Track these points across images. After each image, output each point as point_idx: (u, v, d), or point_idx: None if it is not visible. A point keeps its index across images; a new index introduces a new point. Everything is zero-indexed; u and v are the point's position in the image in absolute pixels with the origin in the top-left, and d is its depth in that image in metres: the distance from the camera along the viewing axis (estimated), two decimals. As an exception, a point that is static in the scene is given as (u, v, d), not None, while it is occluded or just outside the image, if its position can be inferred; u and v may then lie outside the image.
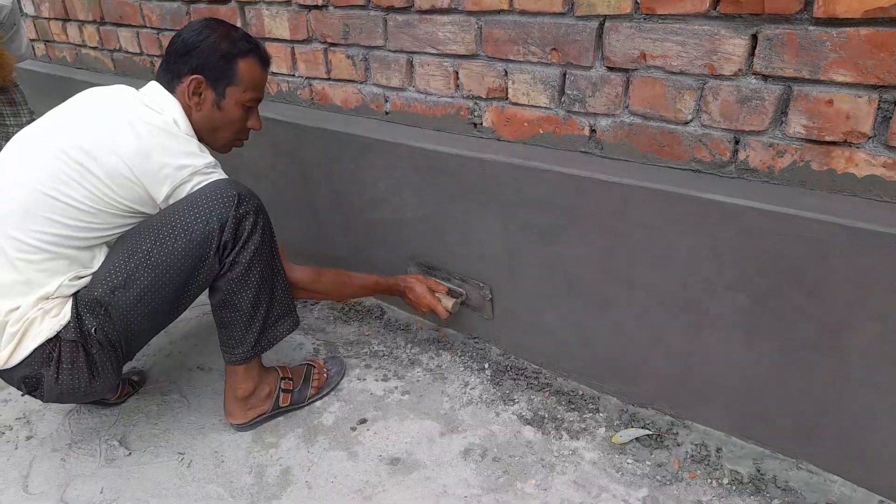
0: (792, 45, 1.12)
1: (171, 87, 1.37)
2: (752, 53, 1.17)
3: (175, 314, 1.38)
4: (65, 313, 1.25)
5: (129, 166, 1.23)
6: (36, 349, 1.24)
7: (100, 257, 1.30)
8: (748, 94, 1.20)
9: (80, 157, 1.22)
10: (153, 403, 1.66)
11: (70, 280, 1.26)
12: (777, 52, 1.14)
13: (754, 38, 1.16)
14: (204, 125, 1.41)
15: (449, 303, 1.68)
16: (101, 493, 1.39)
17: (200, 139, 1.41)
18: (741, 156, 1.26)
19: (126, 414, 1.63)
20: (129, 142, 1.24)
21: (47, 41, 3.03)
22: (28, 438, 1.55)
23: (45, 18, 2.92)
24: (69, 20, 2.76)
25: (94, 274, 1.29)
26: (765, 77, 1.17)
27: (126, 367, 1.77)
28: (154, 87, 1.38)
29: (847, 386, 1.21)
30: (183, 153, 1.29)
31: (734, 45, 1.18)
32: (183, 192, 1.29)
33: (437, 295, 1.70)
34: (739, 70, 1.19)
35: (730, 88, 1.22)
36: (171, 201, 1.29)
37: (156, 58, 2.40)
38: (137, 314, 1.29)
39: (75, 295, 1.28)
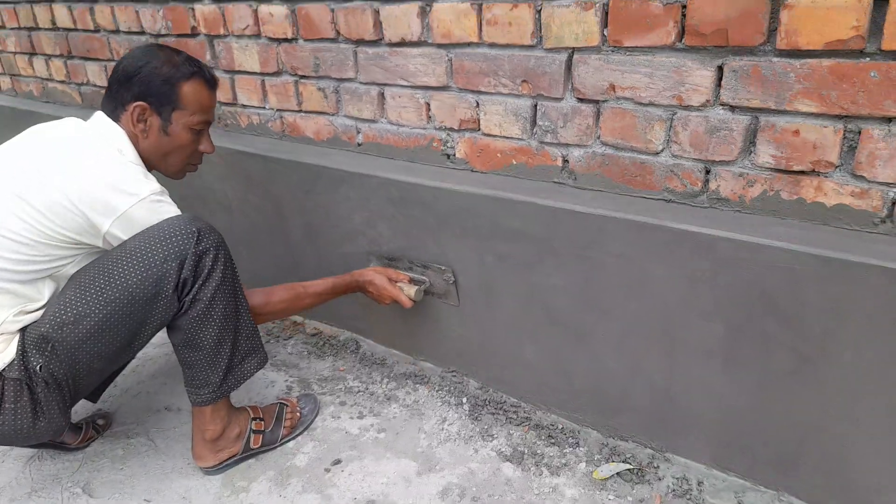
0: (757, 76, 1.13)
1: (115, 116, 1.34)
2: (718, 84, 1.18)
3: (128, 354, 1.33)
4: (9, 350, 1.20)
5: (69, 198, 1.19)
6: None
7: (45, 291, 1.25)
8: (717, 124, 1.21)
9: (18, 190, 1.19)
10: (119, 447, 1.60)
11: (15, 315, 1.22)
12: (743, 83, 1.15)
13: (720, 69, 1.17)
14: (152, 152, 1.38)
15: (412, 290, 1.62)
16: (61, 546, 1.32)
17: (151, 166, 1.39)
18: (712, 185, 1.26)
19: (90, 459, 1.56)
20: (71, 173, 1.21)
21: (13, 75, 2.98)
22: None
23: (11, 52, 2.87)
24: (35, 54, 2.72)
25: (44, 308, 1.24)
26: (732, 108, 1.18)
27: (91, 410, 1.71)
28: (98, 118, 1.35)
29: (826, 416, 1.20)
30: (126, 181, 1.25)
31: (701, 76, 1.19)
32: (129, 223, 1.24)
33: (398, 284, 1.64)
34: (707, 101, 1.20)
35: (698, 119, 1.22)
36: (117, 231, 1.23)
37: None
38: (86, 352, 1.23)
39: (23, 331, 1.23)
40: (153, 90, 1.33)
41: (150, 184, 1.28)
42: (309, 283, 1.59)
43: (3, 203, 1.19)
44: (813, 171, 1.14)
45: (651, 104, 1.26)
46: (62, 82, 2.67)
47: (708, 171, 1.26)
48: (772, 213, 1.22)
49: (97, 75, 2.45)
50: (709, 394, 1.33)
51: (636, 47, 1.23)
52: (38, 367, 1.20)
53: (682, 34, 1.17)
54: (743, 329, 1.24)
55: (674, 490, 1.37)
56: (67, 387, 1.25)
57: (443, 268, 1.63)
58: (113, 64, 2.33)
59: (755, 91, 1.14)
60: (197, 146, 1.43)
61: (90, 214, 1.21)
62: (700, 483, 1.37)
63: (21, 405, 1.21)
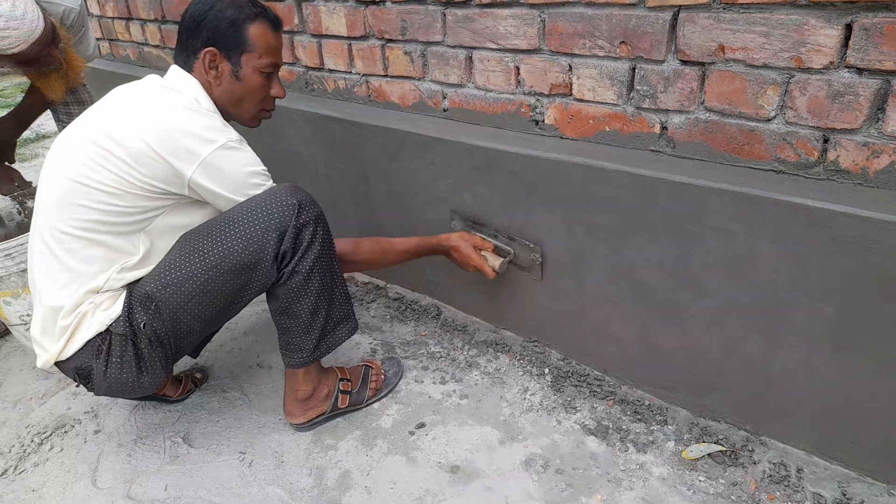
0: (893, 34, 1.01)
1: (188, 66, 1.36)
2: (845, 45, 1.07)
3: (226, 317, 1.39)
4: (116, 307, 1.28)
5: (151, 146, 1.21)
6: (87, 342, 1.28)
7: (140, 246, 1.30)
8: (840, 88, 1.10)
9: (105, 143, 1.23)
10: (215, 400, 1.69)
11: (117, 273, 1.28)
12: (875, 42, 1.04)
13: (848, 27, 1.06)
14: (226, 99, 1.39)
15: (496, 262, 1.60)
16: (166, 490, 1.41)
17: (226, 115, 1.40)
18: (830, 156, 1.17)
19: (189, 410, 1.66)
20: (151, 123, 1.24)
21: (111, 40, 3.11)
22: (96, 432, 1.60)
23: (110, 18, 2.99)
24: (132, 19, 2.82)
25: (143, 264, 1.31)
26: (860, 70, 1.07)
27: (190, 364, 1.81)
28: (173, 70, 1.38)
29: (949, 408, 1.11)
30: (205, 128, 1.26)
31: (825, 35, 1.08)
32: (211, 169, 1.25)
33: (483, 254, 1.62)
34: (831, 63, 1.09)
35: (819, 83, 1.12)
36: (200, 178, 1.25)
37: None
38: (187, 313, 1.29)
39: (130, 290, 1.30)
40: (220, 34, 1.33)
41: (227, 132, 1.30)
42: (396, 239, 1.61)
43: (92, 157, 1.24)
44: (953, 141, 1.03)
45: (765, 66, 1.16)
46: (157, 46, 2.76)
47: (826, 140, 1.16)
48: (899, 188, 1.11)
49: (154, 35, 2.51)
50: (814, 378, 1.26)
51: (752, 4, 1.13)
52: (142, 325, 1.27)
53: (806, -11, 1.07)
54: (858, 312, 1.15)
55: (770, 476, 1.31)
56: (169, 344, 1.32)
57: (531, 245, 1.60)
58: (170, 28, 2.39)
59: (889, 52, 1.03)
60: (268, 90, 1.43)
61: (173, 162, 1.23)
62: (800, 470, 1.31)
63: (126, 360, 1.29)
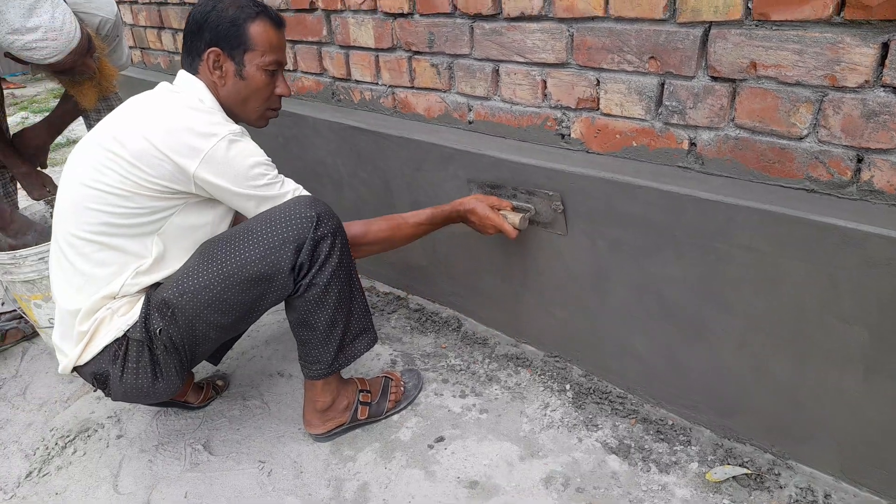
0: (932, 54, 0.99)
1: (194, 69, 1.37)
2: (881, 64, 1.05)
3: (242, 326, 1.40)
4: (133, 312, 1.29)
5: (155, 146, 1.22)
6: (105, 347, 1.29)
7: (153, 248, 1.31)
8: (875, 108, 1.08)
9: (111, 146, 1.25)
10: (235, 408, 1.69)
11: (132, 278, 1.30)
12: (913, 61, 1.02)
13: (885, 46, 1.04)
14: (232, 99, 1.39)
15: (516, 219, 1.52)
16: (185, 497, 1.42)
17: (233, 116, 1.41)
18: (864, 176, 1.14)
19: (210, 417, 1.67)
20: (154, 123, 1.25)
21: (143, 48, 3.17)
22: (118, 437, 1.61)
23: (142, 27, 3.05)
24: (164, 28, 2.88)
25: (157, 267, 1.32)
26: (896, 89, 1.05)
27: (211, 371, 1.82)
28: (180, 75, 1.39)
29: None
30: (206, 123, 1.27)
31: (861, 54, 1.06)
32: (215, 163, 1.25)
33: (501, 213, 1.54)
34: (866, 82, 1.07)
35: (854, 102, 1.10)
36: (205, 174, 1.25)
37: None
38: (203, 321, 1.29)
39: (148, 295, 1.31)
40: (222, 34, 1.34)
41: (228, 125, 1.30)
42: (408, 213, 1.56)
43: (95, 158, 1.26)
44: None
45: (798, 84, 1.15)
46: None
47: (860, 160, 1.14)
48: (936, 210, 1.09)
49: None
50: (843, 402, 1.23)
51: (785, 21, 1.12)
52: (158, 330, 1.28)
53: (840, 6, 1.05)
54: (890, 336, 1.12)
55: (797, 501, 1.28)
56: (185, 351, 1.33)
57: (550, 193, 1.53)
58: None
59: (928, 71, 1.01)
60: (273, 89, 1.43)
61: (176, 158, 1.23)
62: (827, 496, 1.28)
63: (142, 365, 1.30)
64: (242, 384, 1.79)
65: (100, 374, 1.32)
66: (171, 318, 1.28)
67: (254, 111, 1.44)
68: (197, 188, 1.28)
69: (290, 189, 1.36)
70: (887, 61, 1.04)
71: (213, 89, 1.38)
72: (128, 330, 1.29)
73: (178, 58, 2.89)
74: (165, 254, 1.33)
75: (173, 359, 1.33)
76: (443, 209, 1.57)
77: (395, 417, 1.61)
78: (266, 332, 2.02)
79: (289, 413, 1.66)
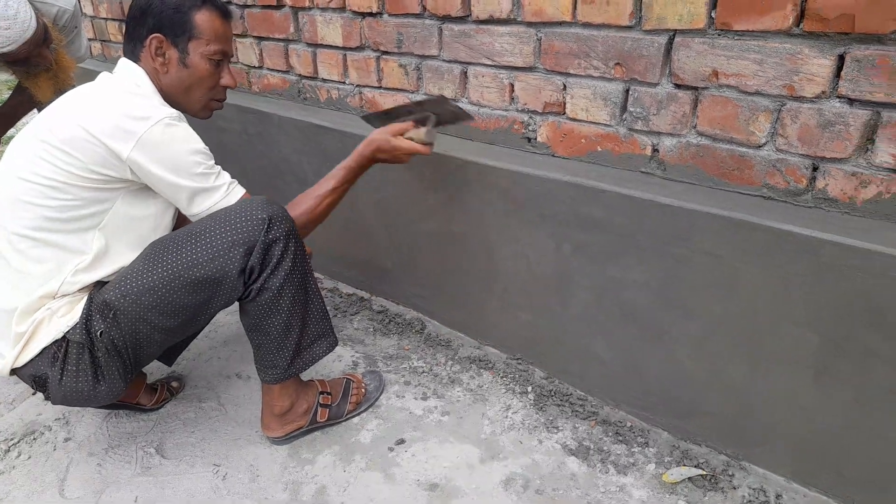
0: (885, 67, 1.03)
1: (135, 56, 1.33)
2: (837, 75, 1.09)
3: (190, 329, 1.35)
4: (74, 314, 1.24)
5: (87, 130, 1.18)
6: (43, 349, 1.24)
7: (93, 244, 1.26)
8: (831, 118, 1.11)
9: (45, 136, 1.21)
10: (190, 410, 1.65)
11: (71, 276, 1.25)
12: (866, 74, 1.05)
13: (841, 58, 1.07)
14: (174, 87, 1.35)
15: (422, 133, 1.45)
16: (136, 502, 1.37)
17: (177, 106, 1.36)
18: (819, 184, 1.18)
19: (163, 420, 1.62)
20: (87, 108, 1.22)
21: (103, 41, 3.08)
22: (66, 440, 1.55)
23: (103, 18, 2.96)
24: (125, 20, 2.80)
25: (96, 265, 1.27)
26: (851, 101, 1.09)
27: (166, 372, 1.77)
28: (121, 62, 1.35)
29: (930, 439, 1.11)
30: (140, 107, 1.23)
31: (818, 65, 1.10)
32: (148, 147, 1.20)
33: (407, 135, 1.46)
34: (823, 92, 1.11)
35: (810, 111, 1.13)
36: (139, 157, 1.20)
37: (207, 60, 2.41)
38: (147, 324, 1.25)
39: (91, 297, 1.26)
40: (166, 21, 1.30)
41: (164, 108, 1.26)
42: (321, 181, 1.48)
43: (31, 149, 1.22)
44: (939, 174, 1.04)
45: (758, 93, 1.17)
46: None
47: (815, 168, 1.17)
48: (886, 218, 1.12)
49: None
50: (795, 405, 1.26)
51: (747, 31, 1.14)
52: (98, 333, 1.23)
53: (800, 18, 1.08)
54: (841, 341, 1.15)
55: (750, 501, 1.30)
56: (127, 354, 1.28)
57: (433, 96, 1.47)
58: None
59: (880, 83, 1.04)
60: (218, 79, 1.40)
61: (109, 143, 1.19)
62: (779, 496, 1.30)
63: (82, 368, 1.25)
64: (199, 386, 1.74)
65: (38, 376, 1.26)
66: (112, 320, 1.23)
67: (198, 101, 1.40)
68: (133, 175, 1.23)
69: (226, 182, 1.31)
70: (843, 73, 1.08)
71: (155, 77, 1.33)
72: (67, 332, 1.23)
73: (138, 51, 2.81)
74: (108, 249, 1.28)
75: (115, 362, 1.27)
76: (350, 162, 1.48)
77: (356, 420, 1.59)
78: (224, 332, 1.98)
79: (246, 416, 1.62)
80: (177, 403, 1.67)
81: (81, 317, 1.24)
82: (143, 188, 1.28)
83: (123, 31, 1.36)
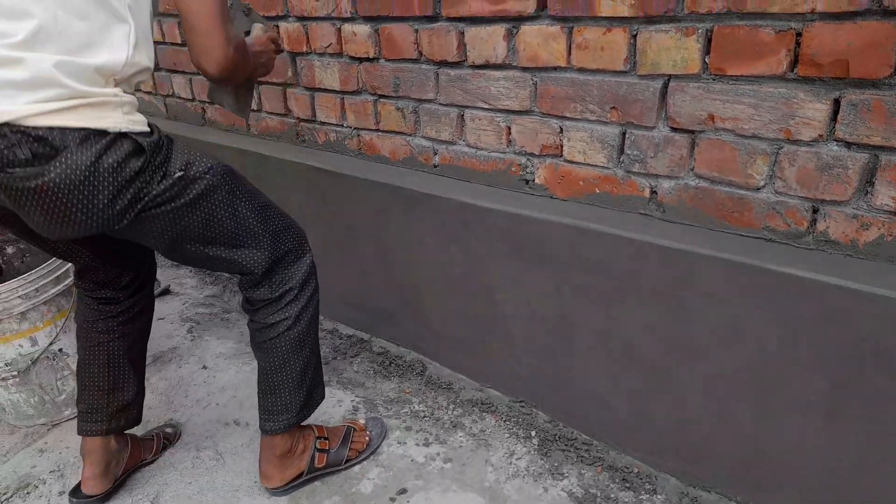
0: (880, 111, 1.03)
1: None
2: (833, 119, 1.09)
3: (210, 257, 1.24)
4: (145, 127, 1.07)
5: None
6: (86, 128, 0.97)
7: (129, 16, 1.04)
8: (829, 161, 1.11)
9: None
10: (188, 460, 1.61)
11: (131, 56, 1.04)
12: (862, 118, 1.05)
13: (836, 102, 1.07)
14: None
15: (259, 29, 1.40)
16: (131, 559, 1.33)
17: None
18: (820, 226, 1.17)
19: (160, 470, 1.58)
20: None
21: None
22: (60, 493, 1.52)
23: (104, 63, 3.00)
24: (126, 65, 2.83)
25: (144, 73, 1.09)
26: (848, 144, 1.09)
27: (162, 420, 1.74)
28: None
29: (945, 486, 1.08)
30: None
31: (814, 109, 1.10)
32: None
33: (254, 35, 1.37)
34: (819, 136, 1.11)
35: (808, 155, 1.13)
36: None
37: (207, 104, 2.43)
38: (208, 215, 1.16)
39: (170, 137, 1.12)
40: None
41: None
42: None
43: None
44: (941, 216, 1.04)
45: (754, 137, 1.17)
46: (148, 93, 2.76)
47: (816, 211, 1.17)
48: (889, 260, 1.11)
49: (182, 88, 2.52)
50: (806, 450, 1.23)
51: (741, 76, 1.15)
52: (177, 173, 1.09)
53: (794, 63, 1.09)
54: (851, 384, 1.13)
55: (763, 552, 1.26)
56: (172, 225, 1.13)
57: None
58: (198, 78, 2.40)
59: (876, 127, 1.04)
60: None
61: None
62: (793, 546, 1.27)
63: (117, 173, 1.01)
64: (196, 433, 1.71)
65: (51, 144, 0.95)
66: (180, 183, 1.09)
67: None
68: None
69: None
70: (839, 116, 1.08)
71: None
72: (138, 133, 1.03)
73: (138, 94, 2.84)
74: (134, 26, 1.05)
75: (158, 218, 1.09)
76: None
77: (357, 468, 1.56)
78: (222, 378, 1.95)
79: (244, 465, 1.59)
80: (174, 451, 1.64)
81: (159, 140, 1.07)
82: None
83: None
